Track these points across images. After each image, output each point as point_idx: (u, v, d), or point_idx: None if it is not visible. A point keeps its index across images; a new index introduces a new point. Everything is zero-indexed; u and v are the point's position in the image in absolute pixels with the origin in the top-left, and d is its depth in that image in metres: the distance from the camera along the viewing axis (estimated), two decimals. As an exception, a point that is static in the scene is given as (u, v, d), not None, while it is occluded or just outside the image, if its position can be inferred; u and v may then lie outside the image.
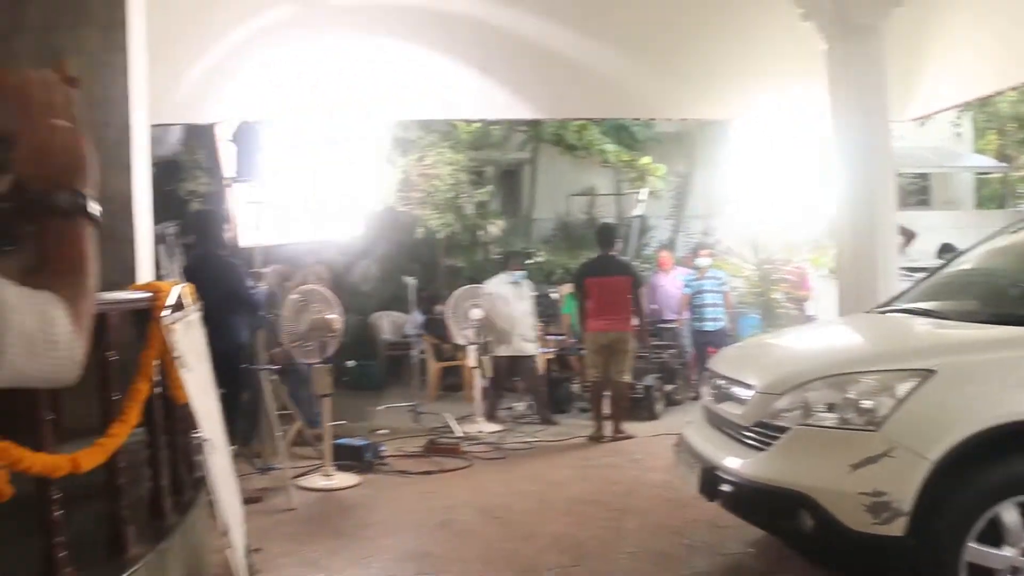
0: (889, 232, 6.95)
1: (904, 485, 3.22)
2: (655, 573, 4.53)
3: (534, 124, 13.10)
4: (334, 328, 6.80)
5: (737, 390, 4.10)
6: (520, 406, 9.39)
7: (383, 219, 11.17)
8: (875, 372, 3.52)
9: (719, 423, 4.26)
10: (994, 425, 3.25)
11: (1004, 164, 18.35)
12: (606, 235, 8.48)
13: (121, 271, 5.95)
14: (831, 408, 3.52)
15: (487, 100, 7.84)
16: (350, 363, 10.93)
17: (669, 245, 14.62)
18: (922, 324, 4.39)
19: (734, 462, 3.85)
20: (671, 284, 10.67)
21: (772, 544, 4.60)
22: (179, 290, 3.97)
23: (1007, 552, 3.22)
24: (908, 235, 8.54)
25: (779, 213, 11.19)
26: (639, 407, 8.79)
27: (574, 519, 5.41)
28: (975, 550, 3.23)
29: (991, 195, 19.46)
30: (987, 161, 18.53)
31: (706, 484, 4.00)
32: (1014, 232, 4.94)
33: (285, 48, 6.99)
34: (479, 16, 6.55)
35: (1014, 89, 8.70)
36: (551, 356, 10.12)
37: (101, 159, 4.57)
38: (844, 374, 3.59)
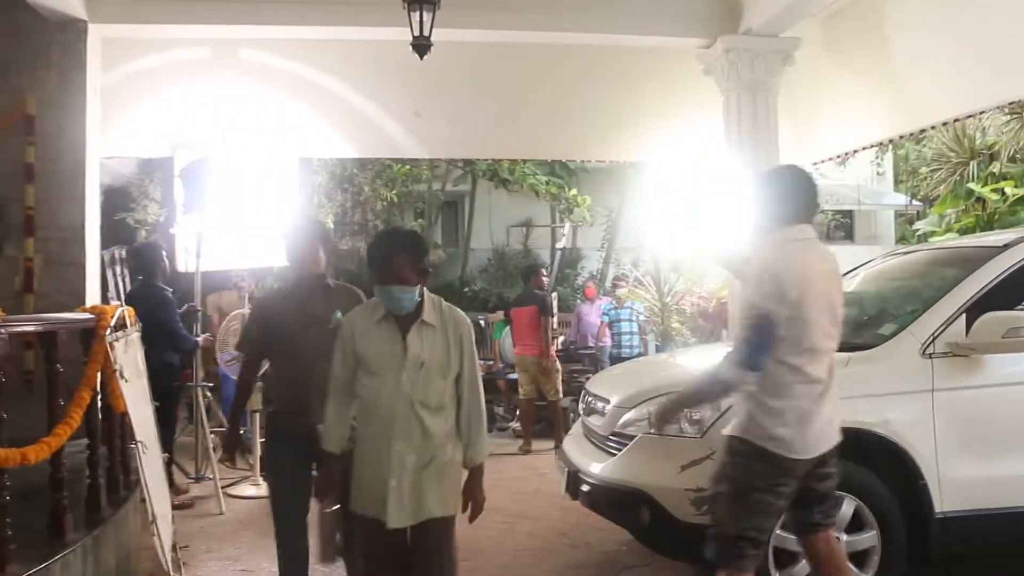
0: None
1: (720, 483, 3.92)
2: (534, 565, 5.22)
3: (470, 160, 13.74)
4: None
5: (601, 405, 4.80)
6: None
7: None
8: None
9: (589, 434, 4.96)
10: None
11: (919, 203, 19.39)
12: (525, 271, 10.06)
13: (71, 293, 6.52)
14: (669, 420, 4.21)
15: (422, 141, 8.65)
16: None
17: (598, 276, 15.34)
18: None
19: (592, 466, 4.55)
20: (594, 313, 11.36)
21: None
22: (121, 312, 4.56)
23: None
24: None
25: (688, 246, 11.81)
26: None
27: (476, 523, 6.00)
28: (779, 536, 3.94)
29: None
30: (905, 199, 19.61)
31: (570, 485, 4.69)
32: (881, 263, 5.76)
33: (219, 86, 7.70)
34: (414, 63, 7.14)
35: (903, 137, 9.52)
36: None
37: (56, 191, 5.40)
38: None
